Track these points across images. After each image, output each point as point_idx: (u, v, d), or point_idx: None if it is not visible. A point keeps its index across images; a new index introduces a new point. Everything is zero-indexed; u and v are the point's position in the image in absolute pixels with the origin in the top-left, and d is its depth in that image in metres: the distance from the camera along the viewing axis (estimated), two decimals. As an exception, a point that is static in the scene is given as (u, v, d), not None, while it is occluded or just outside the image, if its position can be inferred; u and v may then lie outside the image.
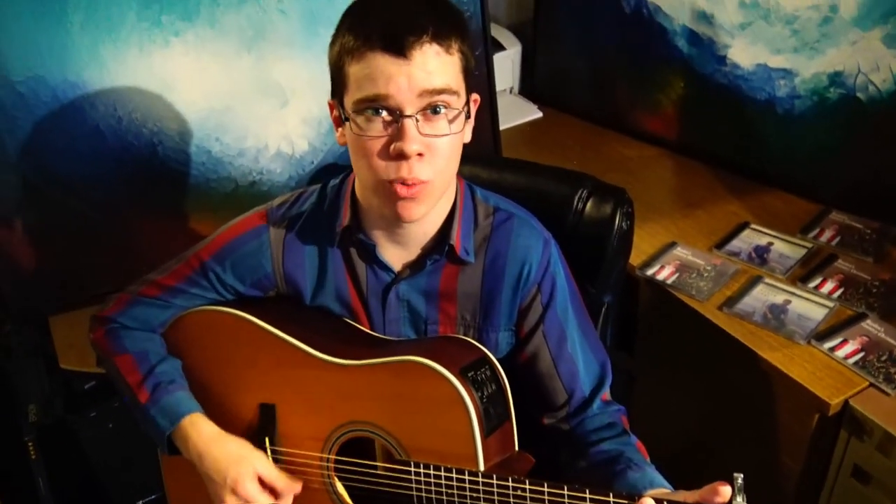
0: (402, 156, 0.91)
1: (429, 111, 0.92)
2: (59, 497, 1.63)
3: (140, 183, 1.56)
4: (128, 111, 1.50)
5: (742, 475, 0.77)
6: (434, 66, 0.90)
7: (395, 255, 1.06)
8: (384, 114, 0.92)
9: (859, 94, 1.60)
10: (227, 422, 1.09)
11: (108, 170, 1.53)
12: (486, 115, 1.83)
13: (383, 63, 0.90)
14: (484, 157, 1.55)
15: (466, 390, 0.94)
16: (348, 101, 0.94)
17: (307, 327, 1.07)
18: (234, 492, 1.01)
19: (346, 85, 0.94)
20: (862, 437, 1.30)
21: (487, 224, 1.07)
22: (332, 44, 0.97)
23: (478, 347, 1.03)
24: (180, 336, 1.14)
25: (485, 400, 0.96)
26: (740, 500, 0.78)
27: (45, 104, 1.43)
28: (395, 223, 1.01)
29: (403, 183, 0.93)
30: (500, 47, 2.08)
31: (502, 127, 1.90)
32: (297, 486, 1.06)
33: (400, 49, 0.89)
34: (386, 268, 1.06)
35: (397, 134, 0.91)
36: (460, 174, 1.09)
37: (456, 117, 0.94)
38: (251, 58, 1.56)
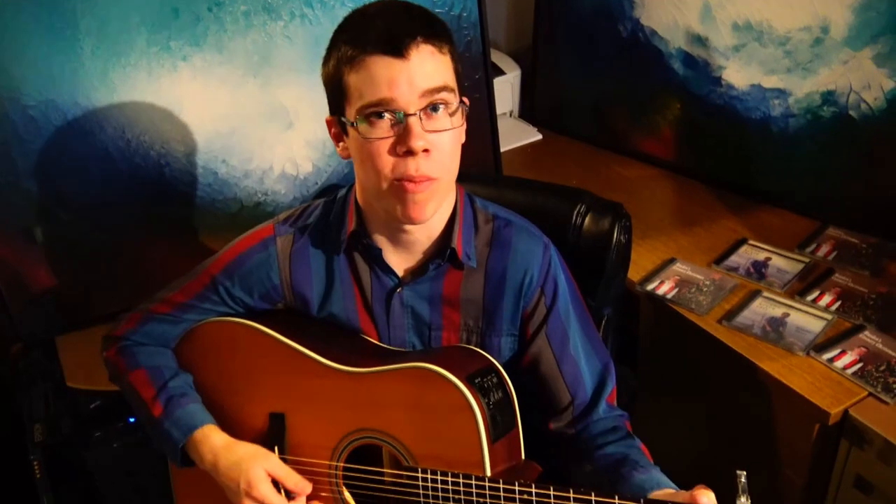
0: (409, 153, 0.95)
1: (429, 109, 0.95)
2: (65, 518, 1.63)
3: (148, 204, 1.59)
4: (136, 134, 1.53)
5: (745, 473, 0.78)
6: (431, 66, 0.95)
7: (399, 261, 1.08)
8: (387, 116, 0.95)
9: (852, 113, 1.64)
10: (237, 431, 1.11)
11: (117, 191, 1.56)
12: (488, 138, 1.87)
13: (384, 66, 0.93)
14: (484, 175, 1.58)
15: (474, 397, 0.95)
16: (350, 110, 0.97)
17: (316, 337, 1.09)
18: (249, 495, 1.02)
19: (347, 95, 0.97)
20: (862, 446, 1.31)
21: (488, 230, 1.09)
22: (326, 61, 1.00)
23: (484, 356, 1.05)
24: (191, 347, 1.16)
25: (492, 407, 0.97)
26: (744, 501, 0.79)
27: (55, 127, 1.47)
28: (399, 228, 1.04)
29: (412, 180, 0.96)
30: (500, 72, 2.12)
31: (503, 149, 1.93)
32: (307, 485, 1.06)
33: (398, 50, 0.92)
34: (390, 272, 1.08)
35: (403, 133, 0.94)
36: (465, 192, 1.12)
37: (455, 112, 0.98)
38: (257, 82, 1.60)
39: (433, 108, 0.96)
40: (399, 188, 0.97)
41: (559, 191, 1.36)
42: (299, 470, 1.08)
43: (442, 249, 1.06)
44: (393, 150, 0.96)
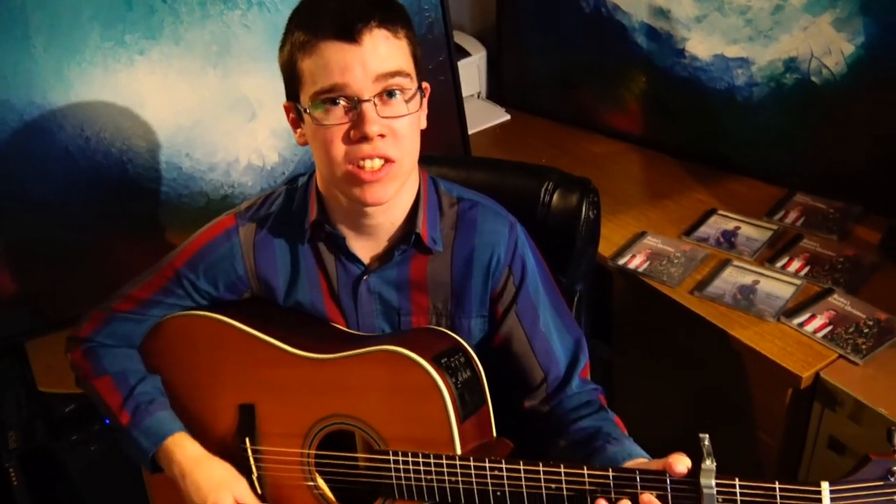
0: (364, 139, 0.94)
1: (385, 95, 0.94)
2: (45, 523, 1.61)
3: (112, 202, 1.57)
4: (95, 131, 1.51)
5: (707, 436, 0.79)
6: (385, 51, 0.93)
7: (364, 248, 1.08)
8: (342, 102, 0.94)
9: (814, 78, 1.65)
10: (208, 425, 1.10)
11: (79, 191, 1.53)
12: (455, 121, 1.86)
13: (337, 51, 0.92)
14: (451, 157, 1.58)
15: (441, 377, 0.95)
16: (304, 96, 0.96)
17: (282, 326, 1.08)
18: None
19: (301, 81, 0.96)
20: (834, 407, 1.32)
21: (453, 213, 1.09)
22: (282, 47, 0.99)
23: (451, 336, 1.04)
24: (157, 344, 1.15)
25: (459, 386, 0.97)
26: (710, 463, 0.79)
27: (12, 128, 1.44)
28: (361, 213, 1.03)
29: (364, 168, 0.95)
30: (466, 53, 2.11)
31: (471, 131, 1.92)
32: None
33: (351, 35, 0.91)
34: (355, 260, 1.07)
35: (357, 119, 0.93)
36: (429, 175, 1.12)
37: (412, 97, 0.96)
38: (217, 73, 1.58)
39: (389, 93, 0.95)
40: (354, 175, 0.96)
41: (527, 169, 1.36)
42: (271, 459, 1.07)
43: (407, 235, 1.06)
44: (347, 137, 0.95)
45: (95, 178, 1.54)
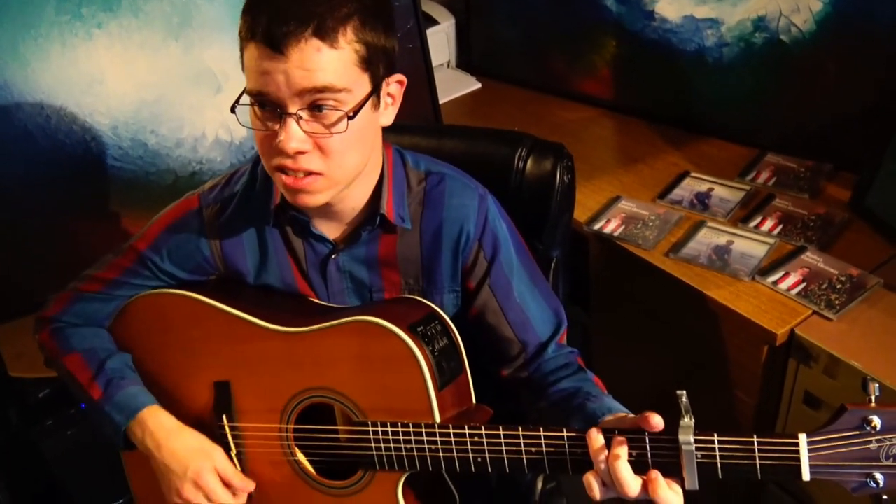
0: (283, 151, 0.90)
1: (314, 109, 0.88)
2: (23, 508, 1.60)
3: (76, 183, 1.53)
4: (56, 109, 1.47)
5: (685, 392, 0.79)
6: (314, 64, 0.86)
7: (330, 228, 1.06)
8: (269, 108, 0.89)
9: (783, 37, 1.64)
10: (183, 404, 1.09)
11: (42, 172, 1.49)
12: (425, 90, 1.83)
13: (262, 58, 0.86)
14: (423, 126, 1.55)
15: (417, 345, 0.94)
16: (247, 87, 0.92)
17: (254, 301, 1.06)
18: (196, 483, 1.01)
19: (244, 68, 0.91)
20: (809, 363, 1.34)
21: (420, 189, 1.06)
22: None
23: (426, 304, 1.03)
24: (126, 325, 1.13)
25: (436, 354, 0.96)
26: (688, 420, 0.79)
27: (-33, 108, 1.40)
28: None
29: (287, 173, 0.91)
30: (434, 22, 2.08)
31: (442, 101, 1.90)
32: (251, 485, 1.08)
33: (276, 46, 0.85)
34: (322, 240, 1.05)
35: (281, 129, 0.88)
36: (399, 145, 1.09)
37: (341, 118, 0.89)
38: (179, 45, 1.54)
39: (317, 107, 0.88)
40: (280, 179, 0.93)
41: (499, 136, 1.34)
42: (249, 436, 1.06)
43: (372, 215, 1.03)
44: (272, 142, 0.90)
45: (58, 158, 1.50)
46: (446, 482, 1.04)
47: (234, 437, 1.07)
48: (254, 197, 1.07)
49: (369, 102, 0.92)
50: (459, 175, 1.09)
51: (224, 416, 1.06)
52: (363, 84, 0.91)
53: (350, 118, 0.90)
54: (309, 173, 0.91)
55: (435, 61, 1.88)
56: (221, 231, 1.07)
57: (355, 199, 1.03)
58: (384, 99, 0.96)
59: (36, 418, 1.62)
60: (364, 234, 1.04)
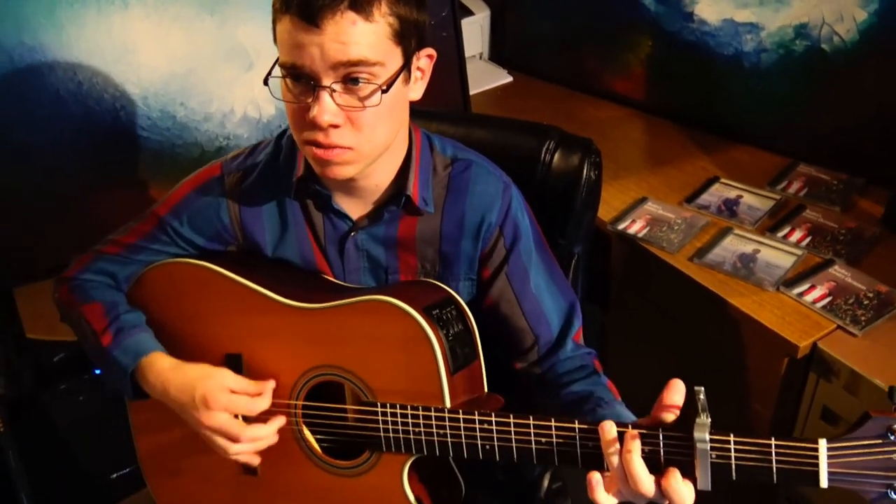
0: (316, 125, 0.89)
1: (348, 82, 0.88)
2: (32, 470, 1.60)
3: (104, 150, 1.54)
4: (88, 75, 1.47)
5: (703, 389, 0.77)
6: (349, 37, 0.85)
7: (352, 206, 1.05)
8: (302, 81, 0.89)
9: (824, 46, 1.61)
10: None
11: (70, 137, 1.50)
12: (456, 80, 1.82)
13: (296, 30, 0.86)
14: (451, 113, 1.54)
15: (431, 328, 0.93)
16: (280, 60, 0.91)
17: (271, 275, 1.05)
18: (207, 405, 0.98)
19: (276, 41, 0.91)
20: (830, 378, 1.31)
21: (446, 175, 1.05)
22: None
23: (443, 288, 1.02)
24: (143, 293, 1.12)
25: (450, 338, 0.95)
26: (704, 419, 0.77)
27: (1, 69, 1.40)
28: None
29: (319, 146, 0.91)
30: (469, 12, 2.07)
31: (472, 92, 1.89)
32: (268, 385, 1.02)
33: (312, 19, 0.84)
34: (343, 216, 1.05)
35: (313, 103, 0.88)
36: (427, 131, 1.08)
37: (374, 91, 0.89)
38: (213, 20, 1.54)
39: (352, 80, 0.88)
40: (310, 152, 0.93)
41: (527, 127, 1.32)
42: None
43: (396, 195, 1.02)
44: (305, 115, 0.89)
45: (87, 124, 1.50)
46: (453, 470, 1.03)
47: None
48: (277, 168, 1.06)
49: (401, 76, 0.92)
50: (486, 163, 1.08)
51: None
52: (396, 57, 0.91)
53: (384, 91, 0.89)
54: (338, 147, 0.91)
55: (468, 52, 1.87)
56: (242, 199, 1.07)
57: (380, 177, 1.02)
58: (414, 73, 0.96)
59: (49, 381, 1.63)
60: (387, 214, 1.03)
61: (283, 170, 1.05)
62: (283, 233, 1.08)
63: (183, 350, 1.10)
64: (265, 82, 0.92)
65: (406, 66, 0.93)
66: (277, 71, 0.92)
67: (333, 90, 0.88)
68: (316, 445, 1.04)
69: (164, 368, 1.04)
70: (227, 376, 1.02)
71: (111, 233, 1.15)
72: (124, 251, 1.12)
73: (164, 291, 1.11)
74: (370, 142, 0.93)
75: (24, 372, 1.60)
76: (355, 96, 0.89)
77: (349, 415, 1.00)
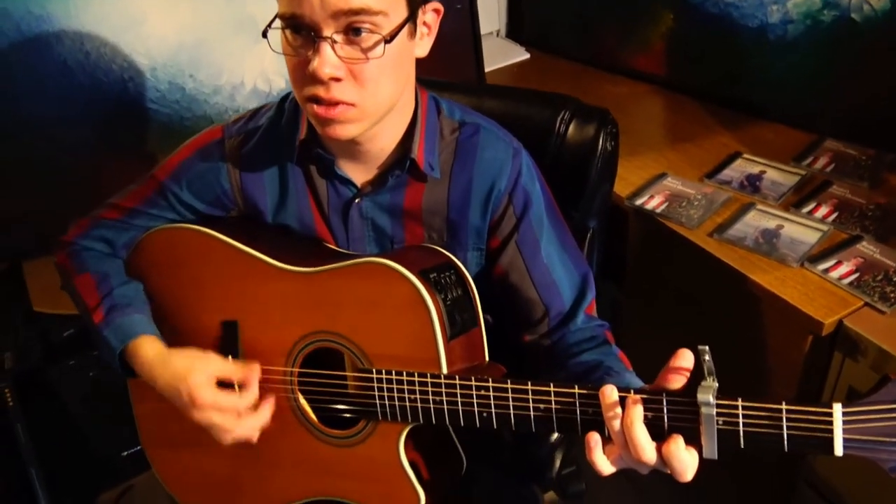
0: (316, 78, 0.85)
1: (350, 33, 0.84)
2: (40, 446, 1.60)
3: (112, 122, 1.53)
4: (96, 46, 1.46)
5: (707, 348, 0.72)
6: None
7: (355, 171, 1.01)
8: (303, 33, 0.85)
9: (854, 15, 1.54)
10: (190, 342, 1.05)
11: (78, 109, 1.49)
12: (470, 53, 1.78)
13: None
14: (463, 84, 1.50)
15: (428, 291, 0.89)
16: (279, 10, 0.88)
17: (268, 241, 1.03)
18: (195, 404, 0.97)
19: None
20: (856, 356, 1.24)
21: (453, 139, 1.01)
22: None
23: (443, 253, 0.98)
24: (140, 258, 1.10)
25: (448, 303, 0.91)
26: (710, 381, 0.72)
27: (7, 38, 1.40)
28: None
29: (320, 102, 0.87)
30: (485, -12, 2.02)
31: (488, 69, 1.85)
32: (254, 370, 0.99)
33: None
34: (346, 182, 1.01)
35: (313, 55, 0.84)
36: (430, 95, 1.04)
37: (377, 43, 0.85)
38: (222, -10, 1.52)
39: (354, 31, 0.84)
40: (311, 109, 0.89)
41: (542, 97, 1.28)
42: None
43: (401, 159, 0.98)
44: (305, 69, 0.86)
45: (95, 96, 1.49)
46: (454, 444, 0.99)
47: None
48: (279, 131, 1.03)
49: (406, 29, 0.88)
50: (495, 128, 1.04)
51: (230, 357, 1.01)
52: (400, 8, 0.87)
53: (387, 42, 0.86)
54: (340, 103, 0.87)
55: (484, 29, 1.83)
56: (242, 163, 1.04)
57: (385, 140, 0.98)
58: (420, 28, 0.92)
59: (58, 357, 1.62)
60: (391, 179, 0.99)
61: (286, 134, 1.02)
62: (284, 199, 1.05)
63: (180, 317, 1.08)
64: (264, 34, 0.89)
65: (411, 18, 0.89)
66: (278, 25, 0.88)
67: (335, 41, 0.84)
68: (312, 414, 1.01)
69: (149, 358, 1.02)
70: (212, 363, 0.99)
71: (112, 197, 1.13)
72: (123, 216, 1.10)
73: (162, 257, 1.09)
74: (374, 96, 0.89)
75: (32, 346, 1.59)
76: (357, 48, 0.85)
77: (346, 382, 0.97)
